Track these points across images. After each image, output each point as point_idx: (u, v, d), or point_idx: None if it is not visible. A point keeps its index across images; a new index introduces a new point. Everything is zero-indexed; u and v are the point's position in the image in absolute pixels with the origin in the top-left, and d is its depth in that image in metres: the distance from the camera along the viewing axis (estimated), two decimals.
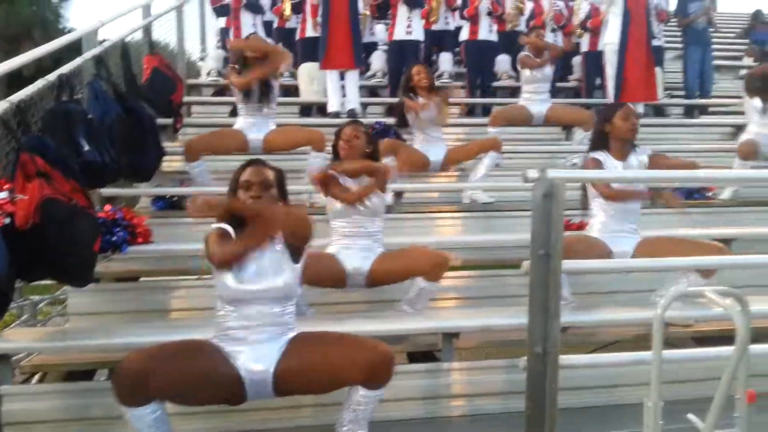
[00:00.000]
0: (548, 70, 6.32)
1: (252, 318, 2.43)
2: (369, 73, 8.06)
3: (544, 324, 2.32)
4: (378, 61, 8.03)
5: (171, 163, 5.31)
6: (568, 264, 2.45)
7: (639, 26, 6.80)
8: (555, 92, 7.07)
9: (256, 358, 2.41)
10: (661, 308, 2.13)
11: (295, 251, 2.50)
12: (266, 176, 2.50)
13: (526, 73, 6.33)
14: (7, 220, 2.61)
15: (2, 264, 2.52)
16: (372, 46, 8.08)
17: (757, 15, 10.37)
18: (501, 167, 5.27)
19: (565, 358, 2.36)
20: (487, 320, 3.23)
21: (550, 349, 2.32)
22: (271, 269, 2.44)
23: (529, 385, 2.34)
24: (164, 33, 7.21)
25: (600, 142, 3.64)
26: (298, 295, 2.62)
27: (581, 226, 4.09)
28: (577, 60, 8.28)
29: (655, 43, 7.20)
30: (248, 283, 2.41)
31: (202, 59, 8.69)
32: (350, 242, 3.41)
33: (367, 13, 7.61)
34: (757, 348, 2.54)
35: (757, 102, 5.54)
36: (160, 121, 5.29)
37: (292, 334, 2.50)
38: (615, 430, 2.79)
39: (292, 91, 7.37)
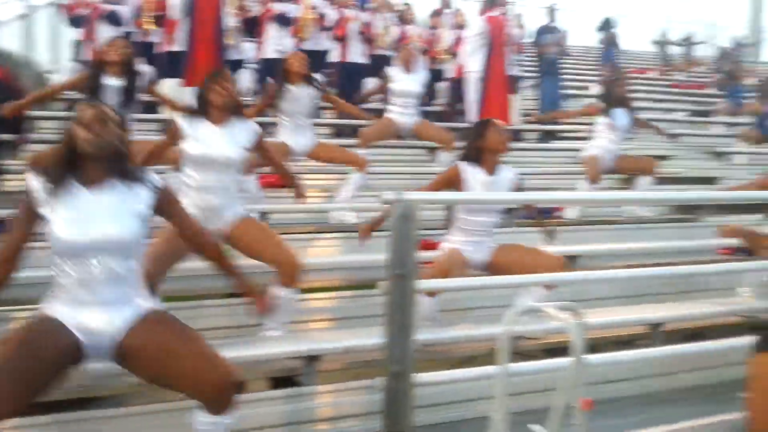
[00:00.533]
0: (416, 85, 6.45)
1: (89, 274, 2.19)
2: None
3: (400, 343, 2.37)
4: (245, 79, 7.92)
5: (11, 182, 4.89)
6: (423, 284, 2.53)
7: (499, 56, 7.24)
8: (422, 115, 7.29)
9: (98, 321, 2.20)
10: (506, 324, 2.26)
11: (160, 214, 2.34)
12: (105, 114, 2.25)
13: (394, 87, 6.48)
14: None
15: None
16: (238, 64, 7.96)
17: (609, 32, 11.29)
18: (367, 188, 5.35)
19: (419, 376, 2.42)
20: (349, 342, 3.24)
21: (407, 367, 2.38)
22: (110, 215, 2.22)
23: (386, 404, 2.38)
24: (11, 43, 6.69)
25: (471, 155, 3.72)
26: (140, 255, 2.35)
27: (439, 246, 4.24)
28: (441, 86, 8.63)
29: (512, 72, 7.69)
30: (79, 232, 2.17)
31: (52, 72, 8.14)
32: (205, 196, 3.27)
33: (232, 30, 7.49)
34: (592, 358, 2.76)
35: (604, 119, 6.00)
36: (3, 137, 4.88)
37: (145, 305, 2.30)
38: None
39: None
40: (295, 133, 5.16)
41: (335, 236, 4.94)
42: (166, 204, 2.36)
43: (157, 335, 2.23)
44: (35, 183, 2.21)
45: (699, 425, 2.86)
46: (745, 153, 8.35)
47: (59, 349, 2.15)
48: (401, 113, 6.34)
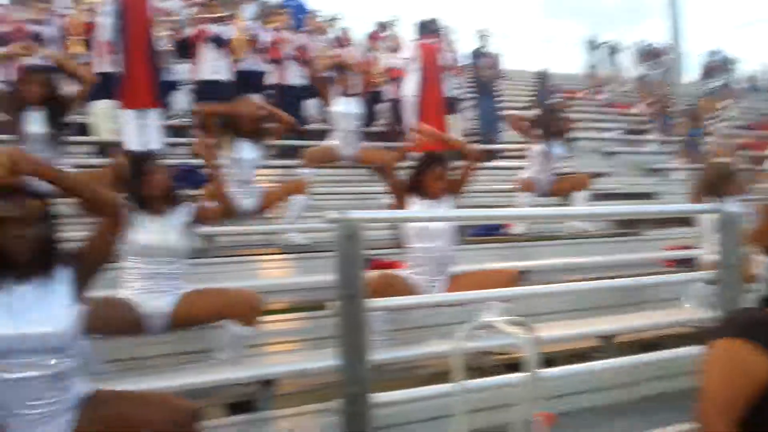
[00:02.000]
0: (355, 108, 6.48)
1: (20, 381, 1.97)
2: (172, 113, 7.72)
3: (355, 364, 2.29)
4: (181, 100, 7.74)
5: None
6: (373, 302, 2.45)
7: (432, 81, 7.37)
8: (363, 136, 7.29)
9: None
10: (458, 340, 2.22)
11: (84, 281, 2.13)
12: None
13: (336, 114, 6.42)
14: None
15: None
16: (172, 85, 7.78)
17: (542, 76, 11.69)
18: (315, 208, 5.27)
19: (377, 396, 2.35)
20: (304, 365, 3.14)
21: (363, 388, 2.29)
22: (40, 309, 2.01)
23: (345, 426, 2.29)
24: None
25: (413, 186, 3.74)
26: (78, 347, 2.13)
27: (392, 265, 4.18)
28: (381, 107, 8.66)
29: (449, 94, 7.81)
30: (6, 327, 1.95)
31: None
32: (149, 284, 3.14)
33: (166, 51, 7.32)
34: (550, 371, 2.74)
35: (539, 147, 6.15)
36: None
37: (81, 395, 2.12)
38: None
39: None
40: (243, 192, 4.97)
41: (284, 257, 4.84)
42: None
43: (100, 413, 2.12)
44: None
45: None
46: (681, 169, 8.70)
47: None
48: (343, 140, 6.29)
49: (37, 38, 6.92)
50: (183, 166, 5.85)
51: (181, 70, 8.04)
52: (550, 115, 6.52)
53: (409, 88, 7.45)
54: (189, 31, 7.50)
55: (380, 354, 2.93)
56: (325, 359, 3.10)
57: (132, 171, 3.31)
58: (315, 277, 4.17)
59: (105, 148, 6.66)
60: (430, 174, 3.72)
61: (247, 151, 5.00)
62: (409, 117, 7.42)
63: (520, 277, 3.60)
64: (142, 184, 3.24)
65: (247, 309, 3.14)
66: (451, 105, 8.09)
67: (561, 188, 6.23)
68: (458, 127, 8.20)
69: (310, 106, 8.14)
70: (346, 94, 6.45)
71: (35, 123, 4.49)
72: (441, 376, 3.47)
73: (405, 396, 2.76)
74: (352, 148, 6.43)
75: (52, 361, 2.01)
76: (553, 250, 5.47)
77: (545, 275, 4.67)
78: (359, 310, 2.28)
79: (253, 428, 2.93)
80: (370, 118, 8.62)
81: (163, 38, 6.98)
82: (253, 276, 4.58)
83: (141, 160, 3.37)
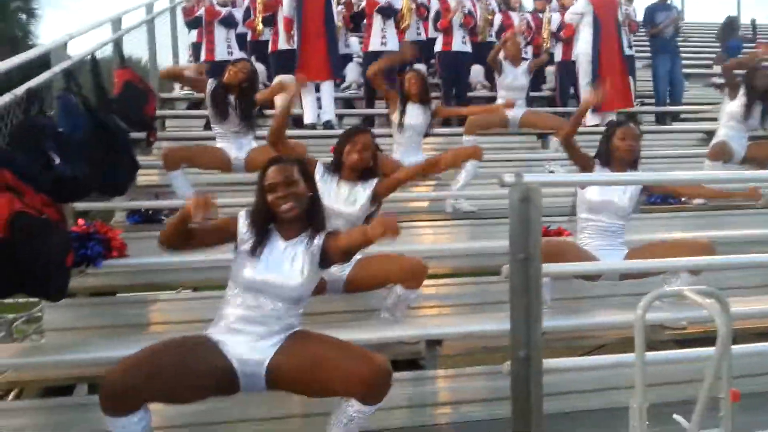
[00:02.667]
0: (524, 78, 6.41)
1: (255, 309, 2.40)
2: (344, 85, 8.05)
3: (526, 328, 2.30)
4: (353, 72, 8.04)
5: (146, 177, 5.22)
6: (548, 267, 2.44)
7: (610, 36, 6.93)
8: (530, 101, 7.13)
9: (250, 349, 2.37)
10: (641, 309, 2.13)
11: (326, 258, 2.48)
12: (289, 173, 2.47)
13: (501, 81, 6.39)
14: None
15: None
16: (347, 58, 8.09)
17: (732, 23, 10.57)
18: (479, 176, 5.28)
19: (548, 362, 2.35)
20: (470, 327, 3.22)
21: (533, 353, 2.30)
22: (292, 266, 2.43)
23: (514, 390, 2.32)
24: (136, 47, 7.14)
25: (601, 157, 3.62)
26: (305, 302, 2.57)
27: (559, 233, 4.11)
28: (550, 70, 8.37)
29: (626, 52, 7.33)
30: (262, 273, 2.40)
31: None
32: None
33: (341, 25, 7.62)
34: (738, 348, 2.56)
35: (736, 106, 5.50)
36: (134, 134, 5.21)
37: (291, 332, 2.46)
38: None
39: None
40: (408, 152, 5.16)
41: (451, 223, 4.92)
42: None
43: (301, 346, 2.40)
44: (242, 222, 2.49)
45: None
46: None
47: (212, 367, 2.33)
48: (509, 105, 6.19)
49: (227, 20, 7.55)
50: None
51: (353, 43, 8.37)
52: (756, 71, 5.76)
53: (583, 46, 7.12)
54: (362, 4, 7.74)
55: (548, 321, 2.90)
56: (493, 323, 3.17)
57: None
58: (486, 243, 4.21)
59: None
60: (615, 139, 3.55)
61: (415, 115, 5.12)
62: (583, 79, 7.12)
63: (714, 249, 3.31)
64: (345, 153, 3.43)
65: (412, 274, 3.27)
66: (631, 65, 7.62)
67: (758, 155, 5.56)
68: (633, 89, 7.69)
69: (476, 72, 8.07)
70: (514, 65, 6.36)
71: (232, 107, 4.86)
72: (607, 349, 3.42)
73: (577, 363, 2.74)
74: (518, 113, 6.34)
75: (281, 306, 2.41)
76: (739, 219, 5.02)
77: (731, 248, 4.31)
78: (533, 273, 2.28)
79: (419, 385, 3.05)
80: (538, 81, 8.41)
81: (338, 13, 7.28)
82: (419, 241, 4.71)
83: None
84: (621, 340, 3.35)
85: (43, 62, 4.37)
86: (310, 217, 2.51)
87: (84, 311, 3.63)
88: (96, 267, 3.62)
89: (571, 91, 7.91)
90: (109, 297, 3.90)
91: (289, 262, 2.44)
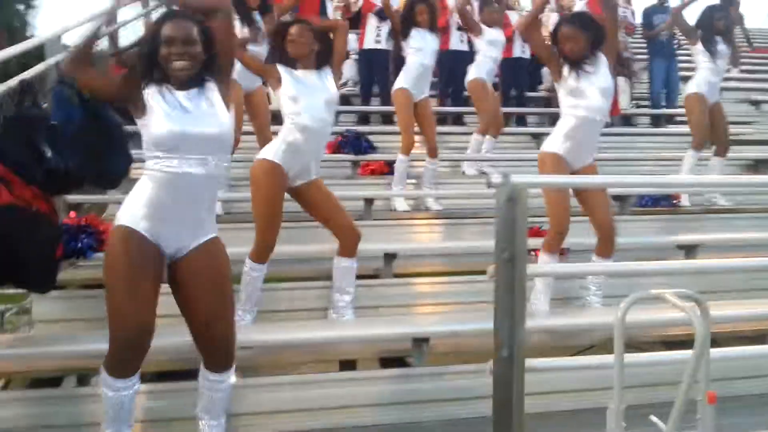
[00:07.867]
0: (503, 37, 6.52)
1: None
2: (340, 82, 8.04)
3: (509, 327, 2.33)
4: (349, 69, 8.04)
5: (140, 170, 5.20)
6: (532, 268, 2.47)
7: None
8: (526, 101, 7.16)
9: (176, 234, 2.43)
10: (621, 311, 2.16)
11: (225, 88, 2.41)
12: (189, 32, 2.31)
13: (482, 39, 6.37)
14: None
15: None
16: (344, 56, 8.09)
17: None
18: (467, 175, 5.32)
19: (531, 362, 2.37)
20: (457, 326, 3.24)
21: (517, 352, 2.33)
22: (206, 113, 2.35)
23: (496, 388, 2.34)
24: (132, 40, 7.09)
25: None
26: (228, 151, 2.48)
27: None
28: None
29: (623, 55, 7.34)
30: (182, 125, 2.32)
31: None
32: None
33: None
34: (716, 352, 2.59)
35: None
36: (128, 127, 5.20)
37: (212, 235, 2.46)
38: None
39: None
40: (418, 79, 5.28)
41: (439, 222, 4.94)
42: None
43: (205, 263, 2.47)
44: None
45: None
46: None
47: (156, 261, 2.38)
48: None
49: None
50: (348, 133, 6.13)
51: (349, 41, 8.36)
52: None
53: None
54: (359, 4, 7.76)
55: (535, 321, 2.94)
56: (478, 322, 3.18)
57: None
58: (471, 243, 4.23)
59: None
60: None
61: (426, 40, 5.25)
62: None
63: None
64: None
65: (349, 233, 3.43)
66: (627, 66, 7.64)
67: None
68: (627, 91, 7.72)
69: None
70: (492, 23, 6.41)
71: None
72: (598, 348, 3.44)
73: (560, 364, 2.76)
74: None
75: (211, 161, 2.34)
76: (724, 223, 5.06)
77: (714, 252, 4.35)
78: (518, 273, 2.30)
79: (405, 382, 3.07)
80: (534, 82, 8.40)
81: (334, 11, 7.29)
82: (409, 240, 4.74)
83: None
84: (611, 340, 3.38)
85: (38, 54, 4.37)
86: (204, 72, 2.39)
87: (74, 303, 3.65)
88: (86, 259, 3.64)
89: None
90: (99, 289, 3.87)
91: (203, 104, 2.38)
